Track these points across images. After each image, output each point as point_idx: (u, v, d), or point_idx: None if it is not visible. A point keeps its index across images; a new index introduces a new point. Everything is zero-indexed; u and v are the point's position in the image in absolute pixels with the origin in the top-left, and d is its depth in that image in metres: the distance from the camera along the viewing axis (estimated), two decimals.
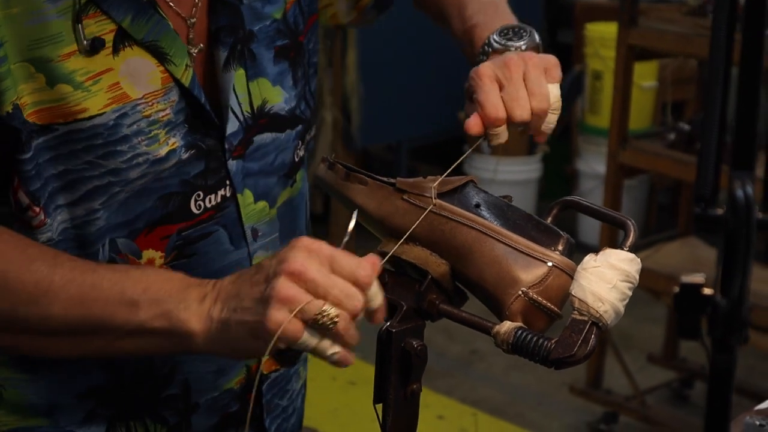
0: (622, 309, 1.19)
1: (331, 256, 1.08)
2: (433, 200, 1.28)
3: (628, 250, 1.21)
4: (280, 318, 1.05)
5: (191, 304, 1.12)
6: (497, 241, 1.24)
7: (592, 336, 1.17)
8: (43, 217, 1.21)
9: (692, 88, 5.11)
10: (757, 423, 1.60)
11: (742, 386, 3.66)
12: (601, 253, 1.20)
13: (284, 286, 1.06)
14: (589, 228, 5.27)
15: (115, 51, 1.22)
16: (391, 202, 1.30)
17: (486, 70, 1.31)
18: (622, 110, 3.56)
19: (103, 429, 1.33)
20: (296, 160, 1.42)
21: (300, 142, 1.42)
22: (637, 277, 1.20)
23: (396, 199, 1.30)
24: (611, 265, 1.19)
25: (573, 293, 1.19)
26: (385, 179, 1.32)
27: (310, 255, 1.07)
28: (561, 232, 1.26)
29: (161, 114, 1.25)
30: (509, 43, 1.41)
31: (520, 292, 1.22)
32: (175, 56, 1.26)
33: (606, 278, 1.18)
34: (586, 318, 1.18)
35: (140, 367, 1.31)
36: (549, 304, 1.22)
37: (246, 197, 1.35)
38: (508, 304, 1.22)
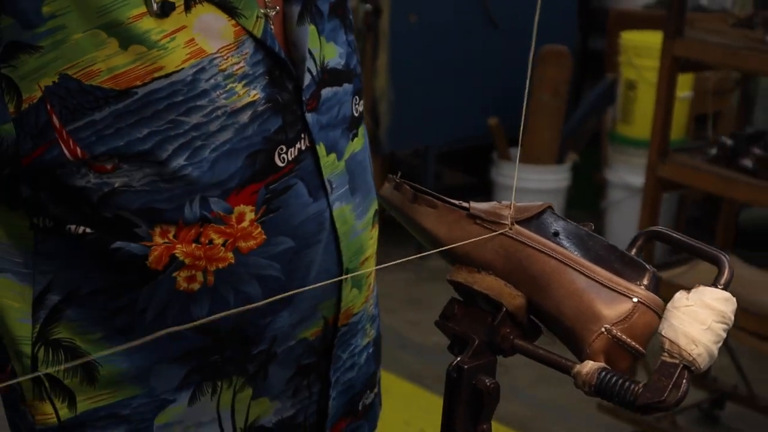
0: (716, 352, 1.11)
1: None
2: (510, 224, 1.20)
3: (723, 288, 1.12)
4: None
5: None
6: (578, 273, 1.16)
7: (684, 380, 1.09)
8: (113, 165, 1.24)
9: (728, 101, 5.03)
10: None
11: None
12: (693, 290, 1.12)
13: None
14: None
15: (187, 8, 1.24)
16: (463, 227, 1.22)
17: None
18: (665, 123, 3.47)
19: (192, 389, 1.35)
20: (356, 114, 1.45)
21: (358, 98, 1.46)
22: (733, 317, 1.12)
23: (468, 225, 1.22)
24: (705, 304, 1.11)
25: (663, 333, 1.11)
26: (456, 203, 1.24)
27: None
28: (647, 265, 1.18)
29: (236, 67, 1.27)
30: None
31: (603, 329, 1.13)
32: (245, 9, 1.28)
33: (700, 318, 1.10)
34: (677, 361, 1.10)
35: (235, 327, 1.33)
36: (634, 343, 1.14)
37: (321, 149, 1.37)
38: (590, 342, 1.14)
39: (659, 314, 1.14)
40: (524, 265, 1.18)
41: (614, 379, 1.11)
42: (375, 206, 1.49)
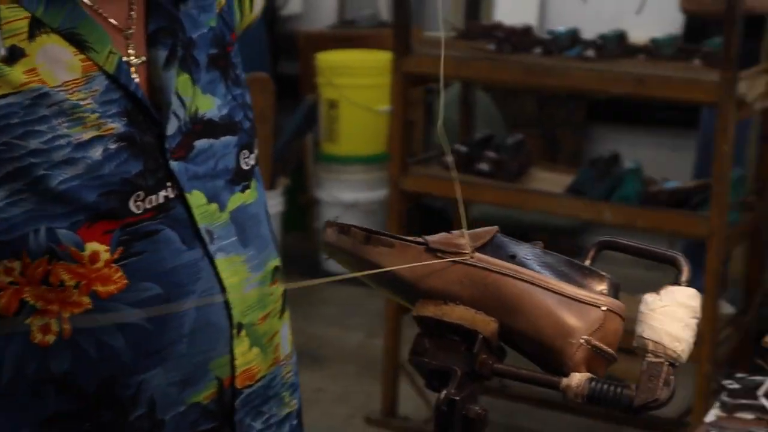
0: (692, 345, 1.18)
1: None
2: (471, 253, 1.22)
3: (687, 286, 1.19)
4: None
5: None
6: (547, 291, 1.20)
7: (671, 377, 1.15)
8: None
9: (418, 110, 5.25)
10: None
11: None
12: (663, 291, 1.18)
13: None
14: None
15: (31, 37, 1.21)
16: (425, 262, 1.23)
17: None
18: (402, 138, 3.58)
19: None
20: (244, 168, 1.41)
21: (247, 151, 1.42)
22: (700, 311, 1.19)
23: (429, 259, 1.23)
24: (680, 302, 1.17)
25: (645, 336, 1.16)
26: (411, 239, 1.25)
27: None
28: (604, 274, 1.23)
29: (83, 103, 1.24)
30: None
31: (582, 341, 1.18)
32: (96, 43, 1.25)
33: (678, 317, 1.16)
34: (662, 359, 1.16)
35: (102, 385, 1.26)
36: (609, 350, 1.19)
37: (197, 198, 1.33)
38: (572, 354, 1.17)
39: (623, 318, 1.20)
40: (491, 290, 1.21)
41: (605, 386, 1.15)
42: (275, 261, 1.44)
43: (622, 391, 1.15)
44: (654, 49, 3.45)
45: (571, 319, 1.18)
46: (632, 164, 3.47)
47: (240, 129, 1.42)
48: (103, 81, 1.25)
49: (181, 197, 1.31)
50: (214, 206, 1.35)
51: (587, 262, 1.26)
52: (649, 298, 1.18)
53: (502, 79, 3.53)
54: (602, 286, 1.22)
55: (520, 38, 3.58)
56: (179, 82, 1.33)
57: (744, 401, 1.71)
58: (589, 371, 1.17)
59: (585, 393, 1.15)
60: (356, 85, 5.27)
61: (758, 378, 1.75)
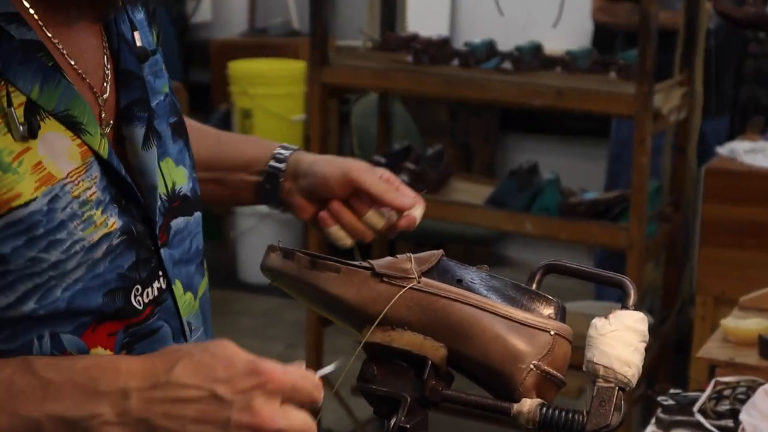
0: (641, 370, 1.18)
1: (287, 389, 1.00)
2: (418, 277, 1.21)
3: (635, 309, 1.19)
4: None
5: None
6: (496, 316, 1.19)
7: (621, 402, 1.16)
8: None
9: (334, 120, 5.24)
10: None
11: None
12: (611, 315, 1.18)
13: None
14: (249, 265, 5.24)
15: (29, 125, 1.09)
16: (371, 287, 1.21)
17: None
18: (322, 149, 3.55)
19: None
20: (202, 246, 1.32)
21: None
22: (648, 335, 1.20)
23: (376, 284, 1.21)
24: (628, 326, 1.17)
25: (595, 361, 1.16)
26: (358, 264, 1.23)
27: (269, 396, 0.98)
28: (551, 297, 1.23)
29: (89, 193, 1.13)
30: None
31: (532, 366, 1.17)
32: (89, 125, 1.14)
33: (627, 341, 1.17)
34: (612, 384, 1.16)
35: None
36: (559, 375, 1.18)
37: (178, 288, 1.24)
38: (521, 380, 1.17)
39: (571, 342, 1.20)
40: (440, 316, 1.19)
41: (557, 412, 1.15)
42: None
43: (574, 417, 1.15)
44: (570, 62, 3.48)
45: (520, 344, 1.18)
46: (551, 175, 3.49)
47: (201, 201, 1.32)
48: (98, 167, 1.14)
49: (169, 288, 1.21)
50: (189, 295, 1.25)
51: (533, 286, 1.26)
52: (598, 322, 1.18)
53: (422, 91, 3.52)
54: (549, 310, 1.22)
55: (437, 50, 3.58)
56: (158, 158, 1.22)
57: (680, 417, 1.72)
58: (539, 396, 1.17)
59: (536, 419, 1.15)
60: (270, 95, 5.24)
61: (693, 394, 1.76)
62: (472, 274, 1.23)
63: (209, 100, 5.64)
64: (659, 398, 1.69)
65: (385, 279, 1.21)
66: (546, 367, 1.17)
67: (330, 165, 1.45)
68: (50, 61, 1.11)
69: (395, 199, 1.44)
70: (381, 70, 3.48)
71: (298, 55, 5.41)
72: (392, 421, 1.17)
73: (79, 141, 1.12)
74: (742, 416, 1.68)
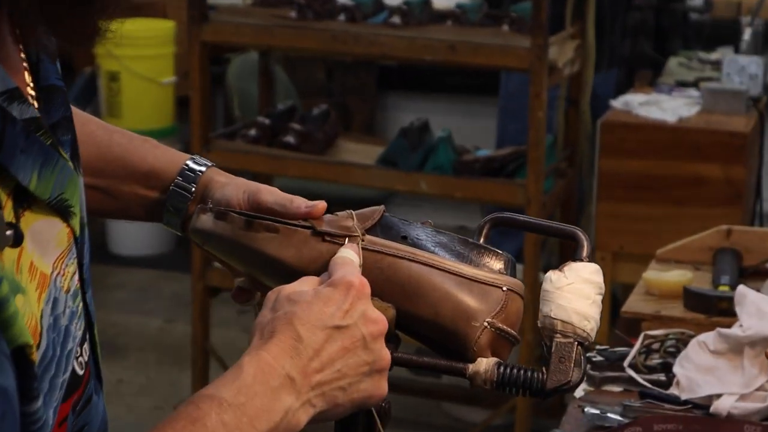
0: (599, 323, 1.17)
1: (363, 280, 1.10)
2: (362, 235, 1.17)
3: (587, 261, 1.18)
4: (385, 386, 1.07)
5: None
6: (445, 272, 1.16)
7: (582, 357, 1.14)
8: None
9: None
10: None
11: None
12: (566, 268, 1.16)
13: (384, 352, 1.07)
14: (121, 237, 5.12)
15: (17, 220, 0.92)
16: (312, 247, 1.17)
17: None
18: (203, 113, 3.47)
19: None
20: None
21: None
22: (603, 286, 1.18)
23: (317, 243, 1.17)
24: (585, 279, 1.16)
25: (553, 315, 1.15)
26: (296, 223, 1.18)
27: (366, 297, 1.08)
28: (500, 252, 1.20)
29: (76, 278, 1.00)
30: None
31: (485, 323, 1.15)
32: (76, 204, 1.00)
33: (585, 294, 1.15)
34: (571, 339, 1.14)
35: None
36: (512, 331, 1.16)
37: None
38: (475, 338, 1.14)
39: (523, 297, 1.18)
40: (387, 274, 1.16)
41: (515, 371, 1.13)
42: None
43: (533, 375, 1.13)
44: (461, 15, 3.46)
45: (472, 301, 1.15)
46: (443, 133, 3.48)
47: None
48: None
49: (91, 334, 1.06)
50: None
51: (481, 240, 1.23)
52: (553, 276, 1.16)
53: (308, 48, 3.48)
54: (500, 265, 1.19)
55: (321, 4, 3.52)
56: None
57: (610, 374, 1.72)
58: (493, 355, 1.15)
59: (494, 379, 1.13)
60: (138, 56, 5.10)
61: (620, 349, 1.77)
62: (417, 230, 1.20)
63: (72, 63, 5.47)
64: (588, 354, 1.68)
65: (327, 238, 1.17)
66: (500, 324, 1.15)
67: (237, 189, 1.27)
68: (48, 140, 0.96)
69: (299, 208, 1.23)
70: (264, 26, 3.41)
71: (167, 14, 5.28)
72: None
73: (66, 224, 0.99)
74: (676, 369, 1.68)
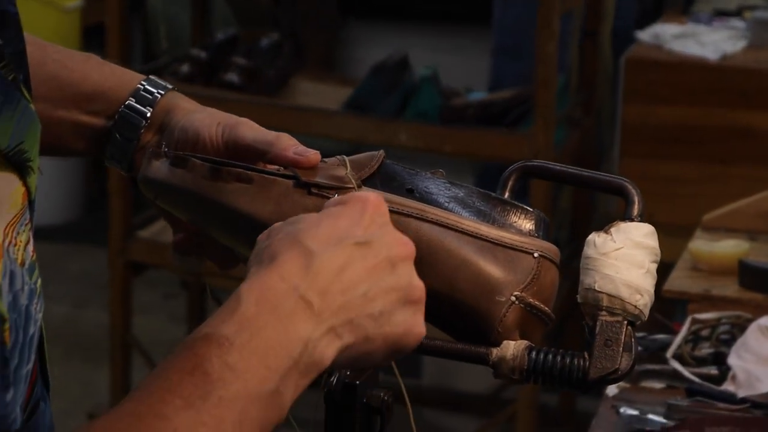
0: (653, 298, 1.18)
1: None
2: (357, 187, 1.18)
3: (639, 221, 1.19)
4: (423, 323, 1.05)
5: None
6: (462, 234, 1.17)
7: (632, 340, 1.16)
8: None
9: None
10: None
11: None
12: (613, 229, 1.18)
13: (417, 281, 1.04)
14: None
15: None
16: (295, 202, 1.18)
17: None
18: (122, 43, 3.46)
19: None
20: None
21: None
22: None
23: (301, 197, 1.18)
24: (637, 243, 1.18)
25: (597, 288, 1.16)
26: (275, 171, 1.19)
27: (383, 213, 1.06)
28: (529, 208, 1.22)
29: (30, 251, 0.99)
30: None
31: (513, 298, 1.16)
32: (35, 159, 1.00)
33: (636, 261, 1.17)
34: (620, 317, 1.16)
35: None
36: (546, 308, 1.18)
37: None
38: (500, 316, 1.16)
39: (558, 266, 1.19)
40: None
41: (549, 356, 1.15)
42: None
43: (573, 361, 1.14)
44: None
45: (496, 270, 1.17)
46: (426, 70, 3.49)
47: None
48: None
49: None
50: None
51: (506, 195, 1.25)
52: (597, 238, 1.18)
53: None
54: (530, 225, 1.21)
55: None
56: None
57: (650, 366, 1.74)
58: (522, 337, 1.17)
59: (524, 366, 1.15)
60: None
61: (662, 337, 1.79)
62: (426, 182, 1.22)
63: None
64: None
65: (314, 190, 1.18)
66: (531, 300, 1.17)
67: (211, 119, 1.29)
68: (10, 74, 0.96)
69: (285, 150, 1.24)
70: None
71: None
72: (334, 378, 1.16)
73: (22, 181, 0.99)
74: (731, 360, 1.71)
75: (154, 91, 1.29)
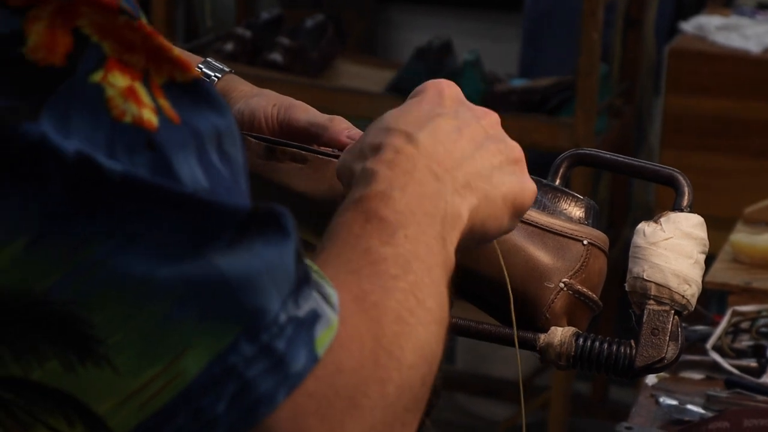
0: (701, 288, 1.19)
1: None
2: None
3: (689, 211, 1.20)
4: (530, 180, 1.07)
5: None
6: None
7: (678, 329, 1.17)
8: None
9: None
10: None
11: None
12: (663, 219, 1.19)
13: (511, 141, 1.07)
14: None
15: None
16: None
17: None
18: (168, 20, 3.48)
19: None
20: None
21: None
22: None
23: None
24: (686, 233, 1.19)
25: (646, 277, 1.17)
26: (329, 152, 1.20)
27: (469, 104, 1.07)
28: (579, 196, 1.23)
29: None
30: None
31: (561, 285, 1.17)
32: None
33: (685, 251, 1.18)
34: (667, 307, 1.17)
35: None
36: (594, 296, 1.19)
37: None
38: (548, 302, 1.17)
39: (607, 254, 1.21)
40: None
41: (596, 343, 1.16)
42: None
43: (620, 349, 1.15)
44: None
45: (545, 257, 1.18)
46: (469, 55, 3.49)
47: None
48: None
49: None
50: None
51: (557, 182, 1.26)
52: (647, 228, 1.19)
53: None
54: (580, 212, 1.22)
55: None
56: None
57: (690, 357, 1.75)
58: (569, 324, 1.18)
59: (571, 352, 1.16)
60: None
61: (701, 328, 1.80)
62: None
63: None
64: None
65: None
66: (579, 287, 1.18)
67: (267, 101, 1.31)
68: None
69: (339, 134, 1.25)
70: None
71: None
72: None
73: None
74: None
75: (211, 74, 1.31)
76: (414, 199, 0.98)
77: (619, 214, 3.63)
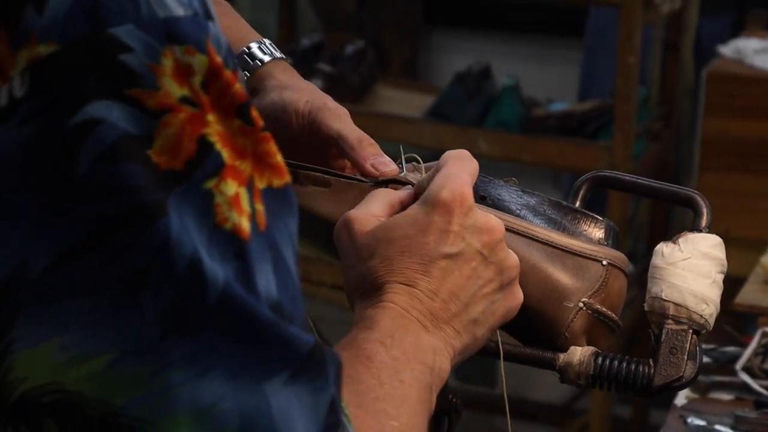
0: (719, 308, 1.20)
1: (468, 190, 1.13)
2: None
3: (707, 232, 1.22)
4: (520, 292, 1.12)
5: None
6: (532, 241, 1.20)
7: (696, 348, 1.18)
8: None
9: None
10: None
11: None
12: (681, 239, 1.20)
13: (509, 258, 1.10)
14: None
15: None
16: None
17: None
18: None
19: None
20: None
21: None
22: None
23: None
24: (704, 254, 1.20)
25: (664, 297, 1.18)
26: (352, 176, 1.22)
27: (474, 215, 1.09)
28: (599, 217, 1.25)
29: None
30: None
31: (581, 304, 1.19)
32: None
33: (703, 272, 1.19)
34: (685, 326, 1.18)
35: None
36: (614, 315, 1.20)
37: None
38: (568, 322, 1.18)
39: (626, 274, 1.22)
40: None
41: (615, 363, 1.17)
42: None
43: (638, 368, 1.16)
44: None
45: (565, 277, 1.19)
46: (508, 80, 3.51)
47: None
48: None
49: None
50: None
51: (577, 203, 1.27)
52: (665, 248, 1.20)
53: None
54: (600, 233, 1.23)
55: None
56: None
57: (719, 378, 1.76)
58: (589, 343, 1.19)
59: (590, 372, 1.17)
60: None
61: (731, 349, 1.81)
62: (499, 189, 1.24)
63: None
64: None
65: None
66: (598, 306, 1.19)
67: (300, 94, 1.28)
68: None
69: (364, 160, 1.22)
70: None
71: None
72: None
73: None
74: None
75: (258, 56, 1.30)
76: (410, 351, 1.04)
77: (658, 237, 3.62)
